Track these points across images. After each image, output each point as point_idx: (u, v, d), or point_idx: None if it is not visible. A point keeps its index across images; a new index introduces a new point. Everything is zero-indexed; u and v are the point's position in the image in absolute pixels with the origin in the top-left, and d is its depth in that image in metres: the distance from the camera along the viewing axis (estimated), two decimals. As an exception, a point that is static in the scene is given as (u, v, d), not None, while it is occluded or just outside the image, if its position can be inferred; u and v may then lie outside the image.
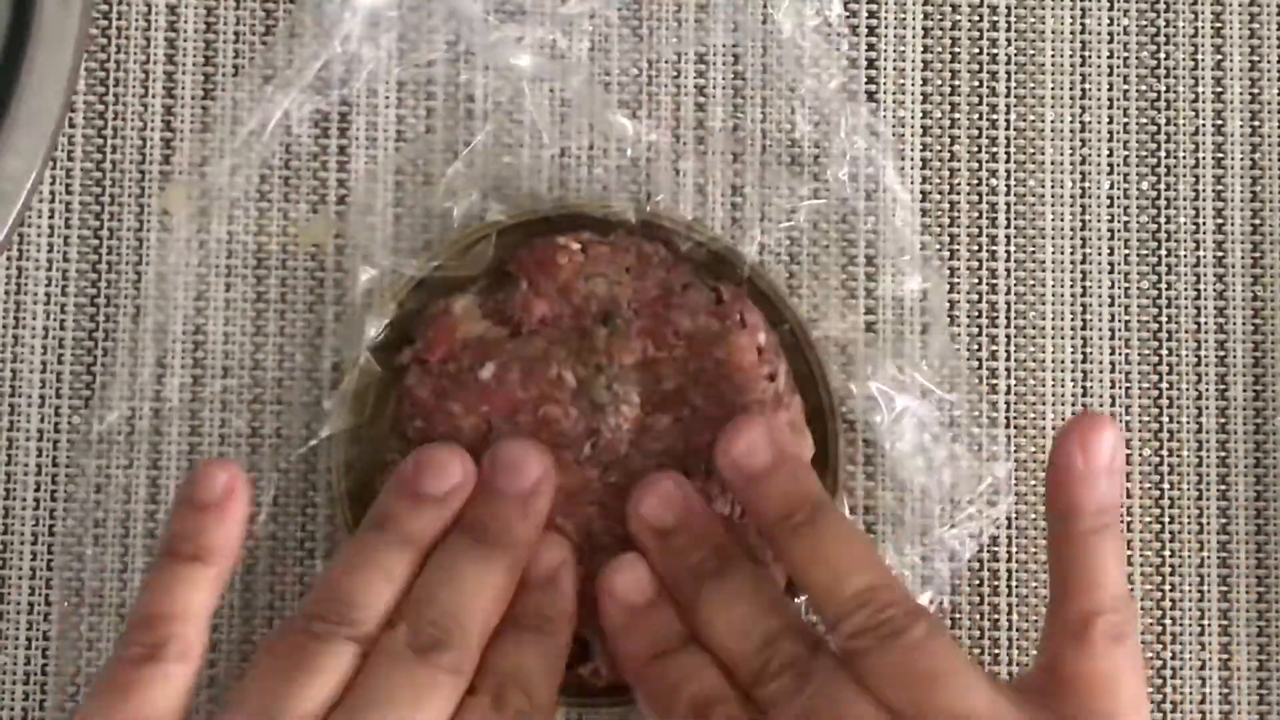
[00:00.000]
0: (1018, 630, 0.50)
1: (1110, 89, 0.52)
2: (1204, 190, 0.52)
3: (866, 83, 0.51)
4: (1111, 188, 0.52)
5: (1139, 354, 0.51)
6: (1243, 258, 0.52)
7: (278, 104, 0.50)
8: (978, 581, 0.50)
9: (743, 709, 0.42)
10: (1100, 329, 0.51)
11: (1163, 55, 0.52)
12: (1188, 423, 0.51)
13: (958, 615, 0.50)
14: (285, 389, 0.49)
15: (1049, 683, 0.42)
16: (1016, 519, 0.50)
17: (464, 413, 0.47)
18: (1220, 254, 0.52)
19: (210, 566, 0.43)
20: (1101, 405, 0.51)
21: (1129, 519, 0.51)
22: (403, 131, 0.50)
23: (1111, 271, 0.51)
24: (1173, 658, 0.50)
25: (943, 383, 0.50)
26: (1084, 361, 0.51)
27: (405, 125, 0.50)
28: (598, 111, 0.50)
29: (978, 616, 0.50)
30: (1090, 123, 0.52)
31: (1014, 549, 0.50)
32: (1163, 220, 0.52)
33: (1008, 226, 0.51)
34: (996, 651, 0.50)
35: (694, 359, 0.47)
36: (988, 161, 0.51)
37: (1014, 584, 0.50)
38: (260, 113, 0.50)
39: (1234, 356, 0.51)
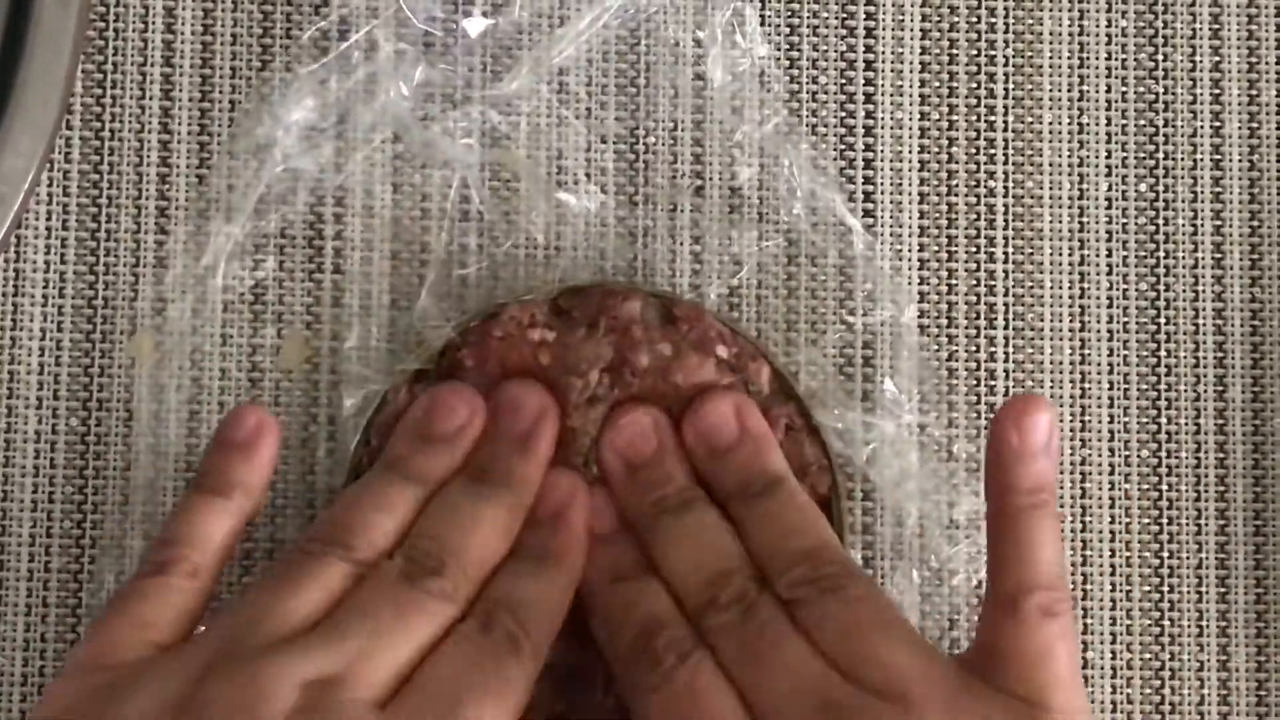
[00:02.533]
0: (1016, 632, 0.50)
1: (1108, 91, 0.52)
2: (1202, 192, 0.52)
3: (865, 84, 0.51)
4: (1109, 189, 0.52)
5: (1137, 355, 0.51)
6: (1241, 259, 0.52)
7: (228, 235, 0.50)
8: (977, 584, 0.50)
9: (688, 636, 0.43)
10: (1099, 330, 0.51)
11: (1161, 57, 0.52)
12: (1186, 424, 0.51)
13: (956, 618, 0.50)
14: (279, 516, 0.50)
15: (984, 659, 0.42)
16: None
17: None
18: (1218, 255, 0.52)
19: (230, 500, 0.44)
20: (1100, 406, 0.51)
21: (1128, 519, 0.51)
22: (354, 242, 0.50)
23: (1110, 273, 0.51)
24: (1171, 658, 0.50)
25: (923, 404, 0.50)
26: (1082, 363, 0.51)
27: (358, 237, 0.50)
28: (547, 192, 0.50)
29: (978, 618, 0.50)
30: (1088, 124, 0.52)
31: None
32: (1161, 222, 0.52)
33: (1006, 228, 0.51)
34: (995, 653, 0.50)
35: (654, 390, 0.47)
36: (986, 163, 0.51)
37: (1012, 585, 0.50)
38: (212, 247, 0.50)
39: (1232, 358, 0.51)
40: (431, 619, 0.42)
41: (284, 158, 0.50)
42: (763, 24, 0.51)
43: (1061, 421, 0.51)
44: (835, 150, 0.51)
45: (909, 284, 0.51)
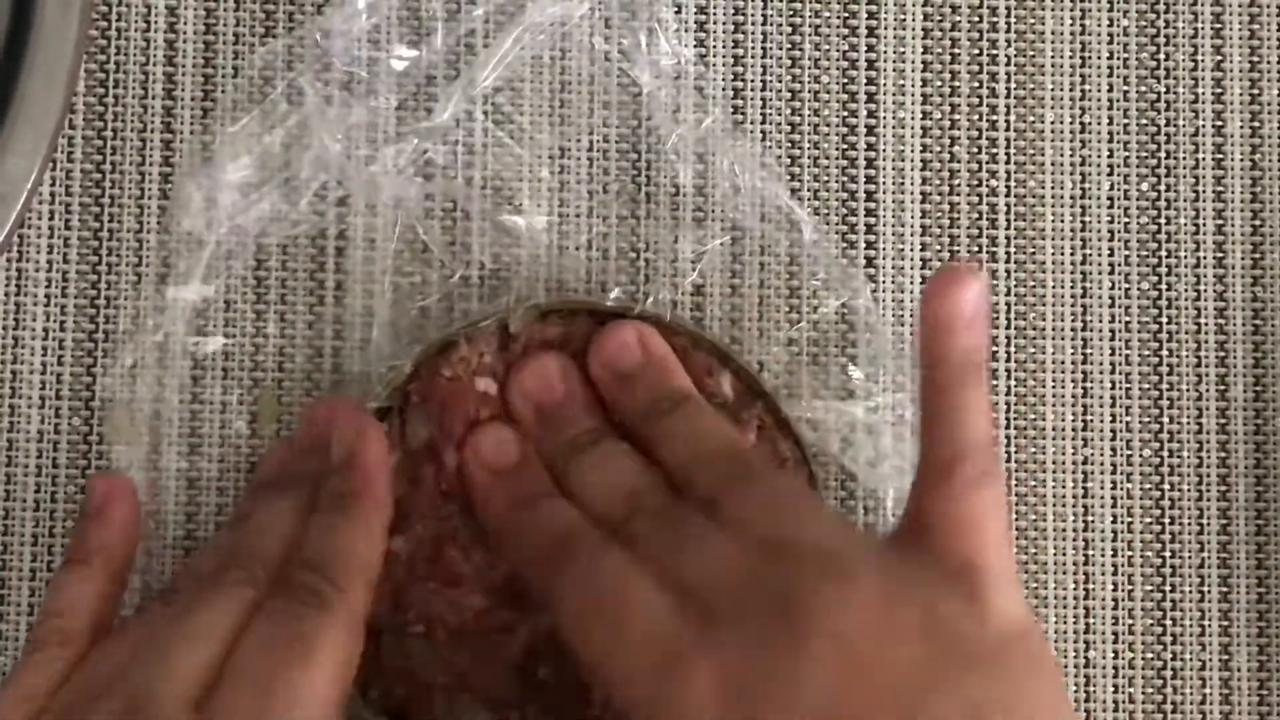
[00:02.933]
0: (1018, 631, 0.50)
1: (1110, 90, 0.52)
2: (1204, 191, 0.52)
3: (867, 83, 0.51)
4: (1111, 189, 0.52)
5: (1139, 355, 0.51)
6: (1243, 258, 0.52)
7: (183, 299, 0.50)
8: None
9: (604, 536, 0.43)
10: (1100, 330, 0.51)
11: (1163, 56, 0.52)
12: (1188, 423, 0.51)
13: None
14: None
15: (915, 529, 0.42)
16: (1017, 519, 0.50)
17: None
18: (1220, 255, 0.52)
19: (90, 566, 0.46)
20: (1102, 405, 0.51)
21: (1130, 518, 0.51)
22: (309, 292, 0.50)
23: (1112, 272, 0.51)
24: (1173, 658, 0.50)
25: (888, 384, 0.50)
26: (1084, 362, 0.51)
27: (309, 289, 0.50)
28: (491, 216, 0.50)
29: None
30: (1090, 124, 0.52)
31: (1015, 548, 0.50)
32: (1163, 221, 0.52)
33: (1008, 227, 0.51)
34: (997, 652, 0.50)
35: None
36: (988, 163, 0.51)
37: (1014, 585, 0.50)
38: (169, 315, 0.49)
39: (1234, 357, 0.51)
40: (225, 608, 0.42)
41: (227, 217, 0.50)
42: (682, 25, 0.51)
43: (1064, 420, 0.51)
44: (837, 150, 0.51)
45: (908, 280, 0.51)
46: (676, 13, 0.51)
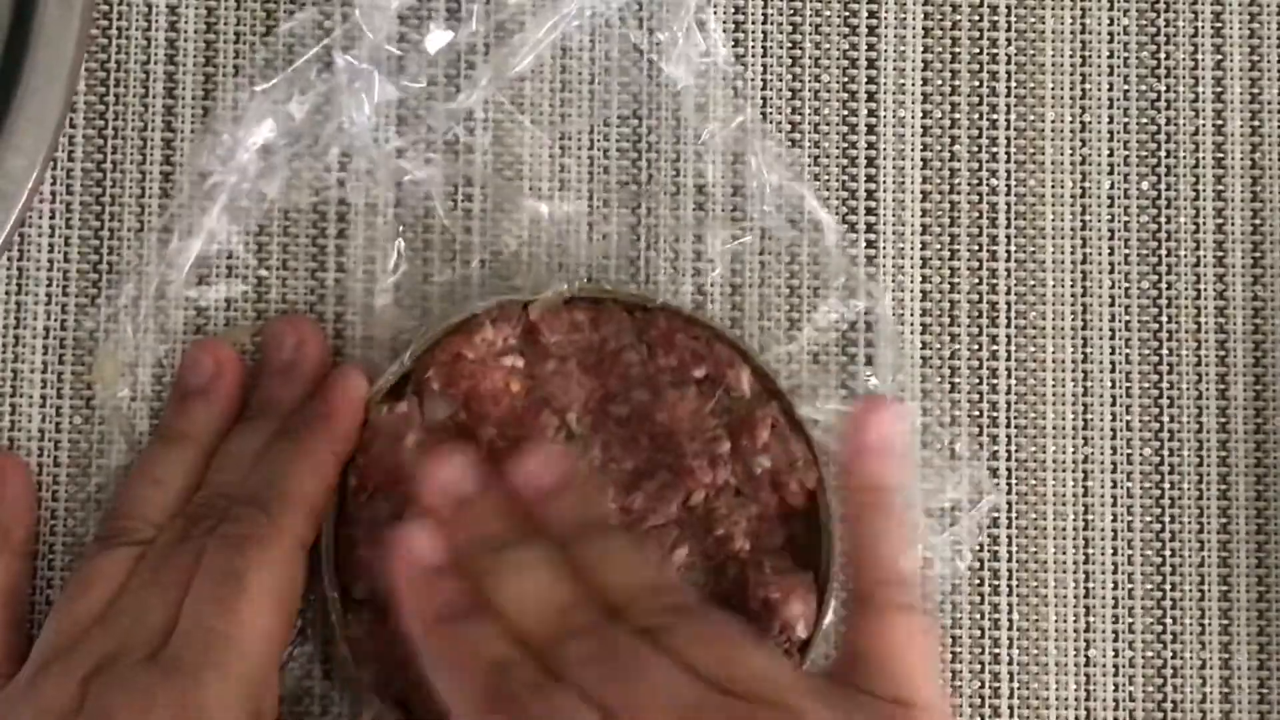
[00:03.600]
0: (1018, 630, 0.50)
1: (1110, 89, 0.52)
2: (1204, 190, 0.52)
3: (867, 82, 0.51)
4: (1112, 188, 0.52)
5: (1139, 354, 0.51)
6: (1243, 257, 0.52)
7: (187, 250, 0.50)
8: (978, 581, 0.50)
9: (541, 672, 0.41)
10: (1100, 329, 0.51)
11: (1163, 55, 0.52)
12: (1188, 423, 0.51)
13: (958, 615, 0.50)
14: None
15: (846, 659, 0.42)
16: (1017, 519, 0.50)
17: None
18: (1220, 254, 0.52)
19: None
20: (1102, 404, 0.51)
21: (1130, 518, 0.51)
22: (318, 258, 0.50)
23: (1112, 271, 0.51)
24: (1173, 657, 0.50)
25: (902, 393, 0.50)
26: (1084, 361, 0.51)
27: (324, 253, 0.50)
28: (513, 200, 0.50)
29: (978, 616, 0.50)
30: (1090, 123, 0.52)
31: (1014, 549, 0.50)
32: (1163, 220, 0.52)
33: (1008, 226, 0.51)
34: (997, 651, 0.50)
35: (639, 432, 0.47)
36: (988, 161, 0.51)
37: (1014, 584, 0.50)
38: (172, 266, 0.50)
39: (1234, 356, 0.51)
40: (187, 557, 0.44)
41: (244, 178, 0.50)
42: (725, 26, 0.51)
43: (1064, 419, 0.51)
44: (838, 149, 0.51)
45: (909, 279, 0.51)
46: (719, 13, 0.51)
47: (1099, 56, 0.52)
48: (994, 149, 0.51)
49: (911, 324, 0.51)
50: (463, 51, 0.51)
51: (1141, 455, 0.51)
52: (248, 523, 0.44)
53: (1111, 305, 0.51)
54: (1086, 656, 0.50)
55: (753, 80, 0.51)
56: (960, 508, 0.50)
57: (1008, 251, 0.51)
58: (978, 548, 0.50)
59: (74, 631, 0.44)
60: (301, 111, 0.50)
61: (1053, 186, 0.51)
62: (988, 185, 0.51)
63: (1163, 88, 0.52)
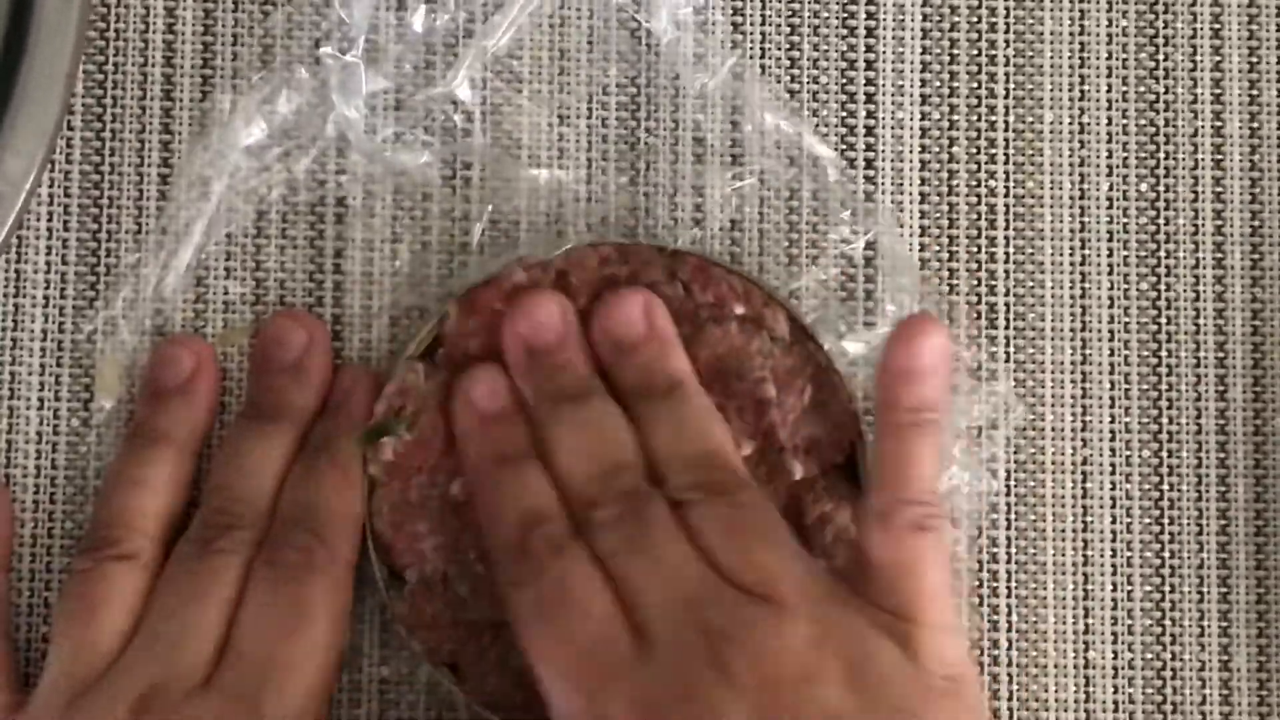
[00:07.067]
0: (1018, 631, 0.50)
1: (1109, 90, 0.52)
2: (1203, 192, 0.52)
3: (866, 84, 0.51)
4: (1110, 189, 0.52)
5: (1138, 355, 0.51)
6: (1242, 259, 0.52)
7: (181, 258, 0.50)
8: (977, 583, 0.50)
9: (565, 532, 0.43)
10: (1099, 330, 0.51)
11: (1161, 57, 0.52)
12: (1187, 423, 0.51)
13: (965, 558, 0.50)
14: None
15: (857, 570, 0.42)
16: (1016, 520, 0.50)
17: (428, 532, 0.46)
18: (1219, 255, 0.52)
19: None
20: (1101, 406, 0.51)
21: (1129, 519, 0.51)
22: (308, 243, 0.50)
23: (1111, 273, 0.51)
24: (1173, 658, 0.50)
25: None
26: (1083, 363, 0.51)
27: (323, 255, 0.50)
28: (513, 172, 0.50)
29: (977, 618, 0.50)
30: (1089, 124, 0.52)
31: (1013, 550, 0.50)
32: (1162, 222, 0.52)
33: (1007, 228, 0.51)
34: (996, 653, 0.50)
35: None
36: (986, 163, 0.51)
37: (1014, 584, 0.50)
38: (173, 267, 0.50)
39: (1233, 358, 0.51)
40: (225, 579, 0.43)
41: (238, 179, 0.50)
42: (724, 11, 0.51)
43: (1063, 420, 0.51)
44: (837, 150, 0.51)
45: (897, 209, 0.51)
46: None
47: (1097, 58, 0.52)
48: (992, 150, 0.51)
49: (868, 274, 0.51)
50: (445, 35, 0.50)
51: (1140, 457, 0.51)
52: (305, 551, 0.44)
53: (1111, 306, 0.51)
54: (1085, 658, 0.50)
55: (791, 81, 0.51)
56: (995, 425, 0.50)
57: (1006, 253, 0.51)
58: (1005, 471, 0.50)
59: (98, 658, 0.43)
60: (291, 109, 0.50)
61: (1051, 188, 0.51)
62: (986, 187, 0.51)
63: (1161, 89, 0.52)
